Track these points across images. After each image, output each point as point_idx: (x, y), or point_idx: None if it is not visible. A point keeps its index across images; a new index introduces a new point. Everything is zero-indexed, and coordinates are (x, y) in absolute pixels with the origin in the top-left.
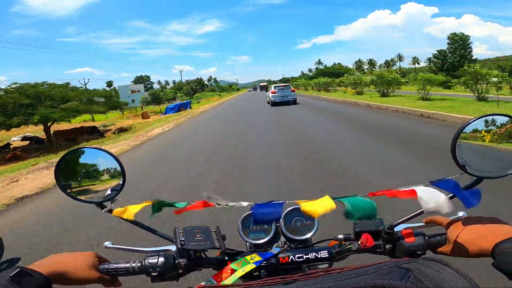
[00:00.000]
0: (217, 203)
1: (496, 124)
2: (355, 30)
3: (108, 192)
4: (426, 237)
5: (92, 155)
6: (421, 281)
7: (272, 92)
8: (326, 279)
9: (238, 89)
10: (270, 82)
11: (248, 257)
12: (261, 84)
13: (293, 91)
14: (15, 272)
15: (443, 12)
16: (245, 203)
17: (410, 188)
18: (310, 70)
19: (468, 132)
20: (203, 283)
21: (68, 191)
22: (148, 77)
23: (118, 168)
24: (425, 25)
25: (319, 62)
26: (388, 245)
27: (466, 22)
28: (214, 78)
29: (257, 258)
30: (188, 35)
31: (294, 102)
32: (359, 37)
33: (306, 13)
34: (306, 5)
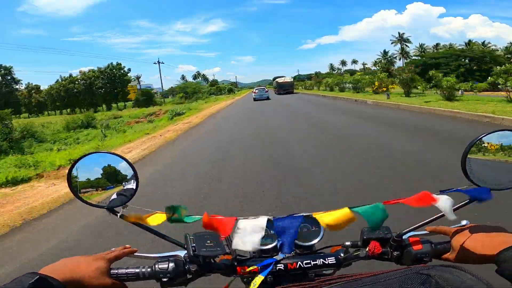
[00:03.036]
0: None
1: (507, 139)
2: (360, 30)
3: (117, 196)
4: (433, 245)
5: (105, 160)
6: (443, 286)
7: (254, 92)
8: (349, 284)
9: (230, 90)
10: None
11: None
12: (278, 80)
13: (267, 91)
14: (34, 279)
15: (451, 12)
16: (264, 219)
17: (423, 194)
18: (380, 60)
19: (479, 146)
20: None
21: (80, 195)
22: (9, 68)
23: (132, 173)
24: (431, 26)
25: (403, 39)
26: (395, 252)
27: (473, 23)
28: (203, 74)
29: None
30: (192, 35)
31: (267, 98)
32: (364, 38)
33: (311, 13)
34: (310, 5)
